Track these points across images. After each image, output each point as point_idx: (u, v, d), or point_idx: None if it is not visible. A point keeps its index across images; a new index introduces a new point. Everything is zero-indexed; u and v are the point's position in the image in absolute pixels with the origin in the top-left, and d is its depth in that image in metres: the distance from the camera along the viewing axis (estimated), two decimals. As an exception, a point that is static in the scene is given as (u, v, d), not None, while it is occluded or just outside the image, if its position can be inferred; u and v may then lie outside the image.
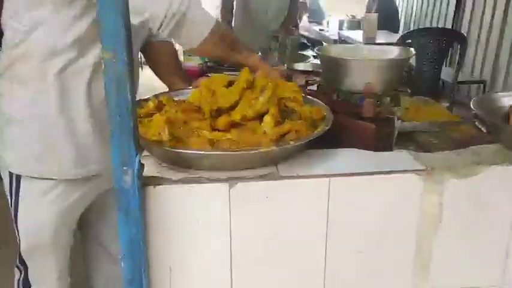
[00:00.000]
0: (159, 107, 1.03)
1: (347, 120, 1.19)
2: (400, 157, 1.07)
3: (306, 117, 1.04)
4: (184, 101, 1.00)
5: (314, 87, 1.43)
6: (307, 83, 1.39)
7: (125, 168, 0.84)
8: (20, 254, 1.28)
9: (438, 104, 1.69)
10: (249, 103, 0.97)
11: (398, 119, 1.34)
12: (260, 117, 0.97)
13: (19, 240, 1.26)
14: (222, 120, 0.94)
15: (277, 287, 1.02)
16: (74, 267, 1.41)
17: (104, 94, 0.79)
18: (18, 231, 1.25)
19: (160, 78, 1.41)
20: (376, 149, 1.16)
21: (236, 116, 0.94)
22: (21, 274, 1.33)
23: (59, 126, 1.17)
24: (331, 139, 1.07)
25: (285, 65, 1.76)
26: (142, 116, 1.02)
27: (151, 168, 0.97)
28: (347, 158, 1.05)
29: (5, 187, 1.24)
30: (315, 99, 1.21)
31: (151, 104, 1.03)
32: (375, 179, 0.98)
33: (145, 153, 1.03)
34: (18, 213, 1.23)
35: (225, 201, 0.94)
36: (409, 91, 1.72)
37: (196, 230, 0.95)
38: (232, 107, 0.98)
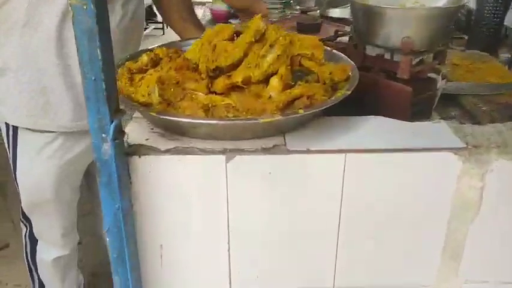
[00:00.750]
0: (155, 62, 0.89)
1: (377, 80, 1.01)
2: (437, 130, 0.90)
3: (325, 79, 0.87)
4: (179, 56, 0.86)
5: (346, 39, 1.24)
6: (336, 34, 1.20)
7: (103, 135, 0.73)
8: (22, 209, 1.24)
9: (495, 60, 1.44)
10: (255, 61, 0.82)
11: (443, 78, 1.14)
12: (267, 79, 0.82)
13: (19, 195, 1.21)
14: (220, 82, 0.80)
15: (281, 274, 0.90)
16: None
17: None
18: (17, 185, 1.20)
19: (170, 25, 1.26)
20: (411, 116, 0.98)
21: (237, 77, 0.79)
22: (27, 229, 1.30)
23: (55, 76, 1.07)
24: (357, 103, 0.91)
25: (318, 10, 1.55)
26: (135, 71, 0.89)
27: (140, 134, 0.85)
28: (371, 128, 0.89)
29: (4, 139, 1.18)
30: (342, 56, 1.03)
31: (145, 58, 0.89)
32: (399, 157, 0.82)
33: (137, 114, 0.91)
34: (17, 168, 1.17)
35: (221, 176, 0.81)
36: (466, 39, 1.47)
37: (189, 205, 0.84)
38: (235, 66, 0.82)
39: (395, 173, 0.83)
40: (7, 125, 1.15)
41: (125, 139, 0.83)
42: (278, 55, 0.81)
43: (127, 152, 0.80)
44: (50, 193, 1.18)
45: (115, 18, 1.11)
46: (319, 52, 0.89)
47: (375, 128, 0.88)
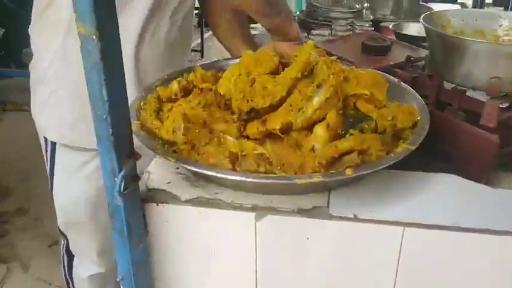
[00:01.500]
0: (187, 90, 0.78)
1: (454, 123, 0.83)
2: None
3: (385, 126, 0.71)
4: (216, 80, 0.74)
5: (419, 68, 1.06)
6: (408, 60, 1.02)
7: (115, 179, 0.63)
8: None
9: None
10: (299, 103, 0.68)
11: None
12: (312, 125, 0.67)
13: (55, 210, 1.17)
14: (254, 127, 0.67)
15: None
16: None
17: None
18: (54, 201, 1.15)
19: (220, 40, 1.14)
20: (494, 169, 0.79)
21: (275, 123, 0.66)
22: (63, 242, 1.26)
23: None
24: (427, 146, 0.74)
25: (391, 25, 1.36)
26: (165, 100, 0.79)
27: (163, 174, 0.74)
28: (440, 193, 0.71)
29: (43, 152, 1.13)
30: (410, 91, 0.86)
31: (175, 86, 0.78)
32: (474, 238, 0.64)
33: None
34: (54, 184, 1.13)
35: (249, 235, 0.69)
36: None
37: (210, 261, 0.73)
38: (275, 107, 0.69)
39: (467, 255, 0.65)
40: (45, 139, 1.10)
41: (143, 182, 0.73)
42: (327, 98, 0.66)
43: (144, 198, 0.70)
44: (85, 215, 1.12)
45: (163, 29, 1.01)
46: (380, 92, 0.73)
47: (445, 193, 0.71)
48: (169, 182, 0.73)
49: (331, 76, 0.67)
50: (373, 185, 0.71)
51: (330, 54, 1.11)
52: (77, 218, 1.14)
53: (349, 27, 1.47)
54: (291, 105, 0.68)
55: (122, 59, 0.57)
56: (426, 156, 0.82)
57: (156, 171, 0.75)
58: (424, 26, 0.83)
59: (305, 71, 0.71)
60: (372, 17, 1.74)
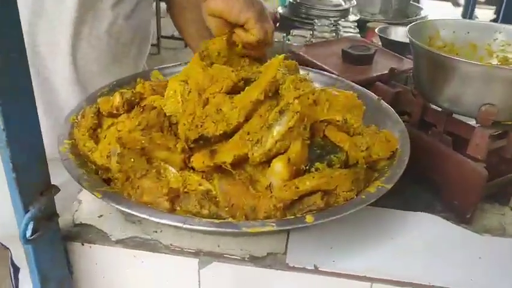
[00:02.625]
0: (131, 104, 0.66)
1: (439, 149, 0.74)
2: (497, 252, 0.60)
3: (357, 157, 0.61)
4: (155, 108, 0.62)
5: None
6: (392, 73, 0.91)
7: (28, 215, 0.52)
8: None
9: None
10: (258, 131, 0.57)
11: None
12: (271, 158, 0.56)
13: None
14: (199, 159, 0.55)
15: None
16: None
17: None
18: None
19: (188, 43, 1.02)
20: (482, 200, 0.70)
21: (226, 156, 0.55)
22: (9, 254, 1.15)
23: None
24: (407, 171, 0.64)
25: (377, 28, 1.24)
26: (105, 114, 0.67)
27: (95, 205, 0.63)
28: (417, 238, 0.61)
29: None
30: (391, 112, 0.76)
31: (117, 99, 0.66)
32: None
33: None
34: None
35: (192, 286, 0.58)
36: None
37: (148, 313, 0.62)
38: (228, 134, 0.58)
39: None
40: None
41: (70, 212, 0.62)
42: (290, 127, 0.55)
43: (67, 236, 0.59)
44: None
45: (103, 22, 0.87)
46: (355, 117, 0.63)
47: (423, 240, 0.61)
48: (101, 216, 0.61)
49: (296, 101, 0.56)
50: (338, 227, 0.61)
51: (306, 62, 1.01)
52: (10, 232, 1.01)
53: (332, 28, 1.36)
54: (248, 133, 0.57)
55: (26, 67, 0.45)
56: (406, 180, 0.72)
57: (88, 199, 0.64)
58: (410, 40, 0.72)
59: (269, 91, 0.60)
60: (358, 16, 1.63)
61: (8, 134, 0.44)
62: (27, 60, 0.45)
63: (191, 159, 0.57)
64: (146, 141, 0.56)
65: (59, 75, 0.85)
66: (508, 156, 0.73)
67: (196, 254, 0.57)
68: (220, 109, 0.58)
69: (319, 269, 0.56)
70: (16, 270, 1.17)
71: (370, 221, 0.63)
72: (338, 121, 0.62)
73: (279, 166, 0.54)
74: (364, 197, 0.56)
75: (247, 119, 0.58)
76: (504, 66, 0.68)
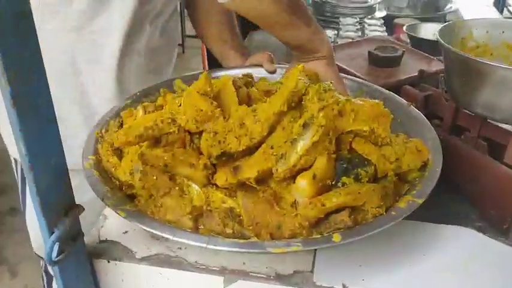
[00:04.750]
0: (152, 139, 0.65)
1: (474, 156, 0.70)
2: None
3: (387, 170, 0.58)
4: (179, 125, 0.60)
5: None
6: (421, 75, 0.88)
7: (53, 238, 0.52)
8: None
9: None
10: (282, 145, 0.55)
11: None
12: (296, 173, 0.55)
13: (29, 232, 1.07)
14: (222, 177, 0.54)
15: None
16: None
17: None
18: (27, 224, 1.05)
19: (209, 47, 1.01)
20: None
21: (250, 172, 0.53)
22: (42, 262, 1.17)
23: (70, 104, 0.87)
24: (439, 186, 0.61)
25: (405, 26, 1.19)
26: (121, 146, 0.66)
27: (121, 221, 0.63)
28: (449, 254, 0.59)
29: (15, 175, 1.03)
30: (422, 118, 0.73)
31: (139, 113, 0.66)
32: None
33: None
34: (27, 206, 1.02)
35: (218, 302, 0.57)
36: None
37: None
38: (252, 149, 0.56)
39: None
40: (15, 160, 0.99)
41: (96, 229, 0.62)
42: (314, 142, 0.53)
43: (93, 253, 0.59)
44: None
45: (143, 37, 0.88)
46: (382, 126, 0.60)
47: (458, 254, 0.58)
48: (126, 232, 0.61)
49: (321, 113, 0.54)
50: (367, 243, 0.59)
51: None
52: None
53: (358, 26, 1.32)
54: (272, 147, 0.55)
55: (47, 92, 0.45)
56: (439, 189, 0.70)
57: (114, 215, 0.64)
58: (440, 44, 0.69)
59: (292, 102, 0.58)
60: (385, 12, 1.58)
61: (30, 159, 0.44)
62: (48, 83, 0.45)
63: (214, 177, 0.55)
64: (168, 157, 0.56)
65: (101, 90, 0.85)
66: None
67: (221, 271, 0.56)
68: (243, 123, 0.57)
69: (347, 286, 0.54)
70: (50, 278, 1.19)
71: (401, 236, 0.61)
72: (365, 132, 0.59)
73: (303, 183, 0.53)
74: (394, 213, 0.54)
75: (270, 131, 0.57)
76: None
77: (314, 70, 0.75)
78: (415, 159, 0.62)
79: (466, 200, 0.72)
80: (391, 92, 0.81)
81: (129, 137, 0.57)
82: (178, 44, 3.55)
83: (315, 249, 0.58)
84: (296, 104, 0.59)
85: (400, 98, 0.79)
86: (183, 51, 3.76)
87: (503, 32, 0.78)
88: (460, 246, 0.60)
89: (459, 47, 0.77)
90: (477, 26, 0.78)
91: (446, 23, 0.76)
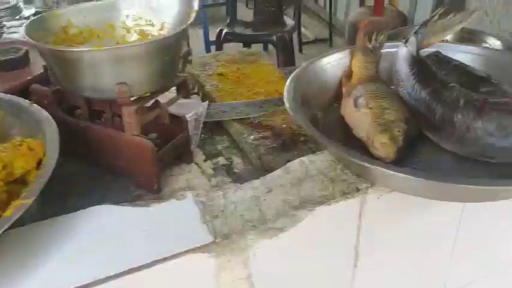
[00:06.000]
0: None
1: (90, 129, 0.74)
2: (181, 215, 0.65)
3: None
4: None
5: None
6: (47, 72, 0.86)
7: None
8: None
9: (264, 58, 1.27)
10: None
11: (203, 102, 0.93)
12: None
13: None
14: None
15: None
16: None
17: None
18: None
19: None
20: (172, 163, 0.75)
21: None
22: None
23: None
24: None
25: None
26: None
27: None
28: (89, 239, 0.60)
29: None
30: (41, 113, 0.72)
31: None
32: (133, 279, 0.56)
33: None
34: None
35: None
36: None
37: None
38: None
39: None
40: None
41: None
42: None
43: None
44: None
45: None
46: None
47: (91, 233, 0.60)
48: None
49: None
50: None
51: None
52: None
53: (-2, 30, 1.21)
54: None
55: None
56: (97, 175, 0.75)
57: None
58: (30, 42, 0.67)
59: None
60: (34, 10, 1.50)
61: None
62: None
63: None
64: None
65: None
66: (165, 122, 0.78)
67: None
68: None
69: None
70: None
71: (34, 239, 0.59)
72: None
73: None
74: (-1, 224, 0.51)
75: None
76: (109, 47, 0.69)
77: None
78: (28, 159, 0.61)
79: (122, 175, 0.76)
80: (13, 96, 0.77)
81: None
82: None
83: None
84: None
85: (22, 99, 0.76)
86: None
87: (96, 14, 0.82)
88: (100, 217, 0.62)
89: (62, 35, 0.78)
90: (73, 13, 0.80)
91: (36, 17, 0.75)
